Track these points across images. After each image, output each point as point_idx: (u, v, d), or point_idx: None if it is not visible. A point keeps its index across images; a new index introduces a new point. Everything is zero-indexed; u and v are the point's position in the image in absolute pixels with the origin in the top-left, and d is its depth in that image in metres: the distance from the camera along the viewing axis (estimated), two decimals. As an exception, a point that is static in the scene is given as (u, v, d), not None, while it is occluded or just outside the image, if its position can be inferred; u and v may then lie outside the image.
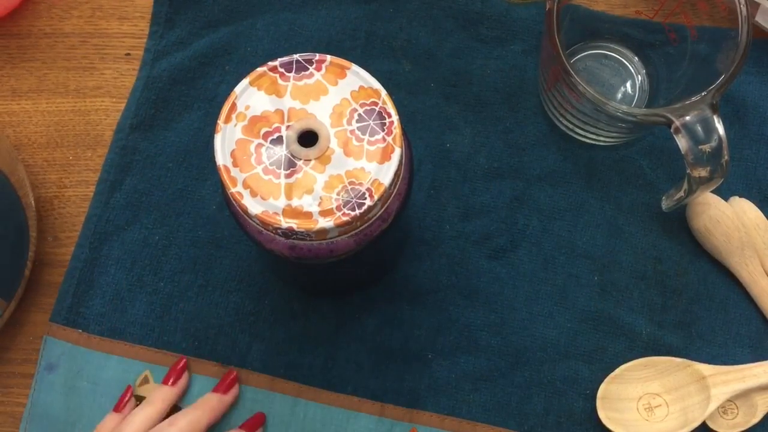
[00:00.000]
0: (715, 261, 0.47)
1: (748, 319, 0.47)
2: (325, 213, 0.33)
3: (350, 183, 0.33)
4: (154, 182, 0.49)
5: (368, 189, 0.33)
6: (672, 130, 0.40)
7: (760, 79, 0.50)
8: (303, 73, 0.35)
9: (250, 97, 0.35)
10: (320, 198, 0.33)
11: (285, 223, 0.33)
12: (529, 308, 0.47)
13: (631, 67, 0.50)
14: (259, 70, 0.35)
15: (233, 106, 0.34)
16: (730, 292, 0.47)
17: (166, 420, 0.42)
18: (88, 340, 0.46)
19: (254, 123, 0.34)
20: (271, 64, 0.35)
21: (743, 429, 0.44)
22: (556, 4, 0.41)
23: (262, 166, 0.34)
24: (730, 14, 0.41)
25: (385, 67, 0.50)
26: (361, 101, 0.35)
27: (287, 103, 0.35)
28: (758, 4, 0.47)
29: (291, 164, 0.34)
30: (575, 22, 0.48)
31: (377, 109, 0.34)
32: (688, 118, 0.40)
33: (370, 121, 0.34)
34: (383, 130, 0.34)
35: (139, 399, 0.45)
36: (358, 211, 0.33)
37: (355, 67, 0.35)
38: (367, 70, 0.35)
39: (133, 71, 0.51)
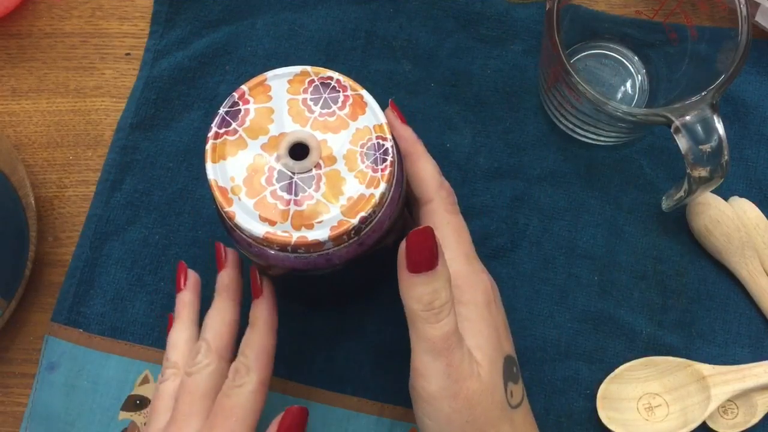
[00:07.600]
0: (715, 261, 0.47)
1: (748, 319, 0.47)
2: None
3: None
4: (154, 182, 0.49)
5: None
6: (672, 130, 0.40)
7: (760, 79, 0.50)
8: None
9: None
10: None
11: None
12: (529, 308, 0.47)
13: (631, 67, 0.50)
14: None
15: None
16: (730, 292, 0.47)
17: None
18: (89, 340, 0.46)
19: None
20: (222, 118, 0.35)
21: (743, 429, 0.44)
22: (556, 4, 0.41)
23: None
24: (730, 14, 0.41)
25: (385, 67, 0.50)
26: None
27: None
28: (758, 4, 0.47)
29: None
30: (575, 22, 0.48)
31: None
32: (688, 118, 0.40)
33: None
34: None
35: (139, 398, 0.45)
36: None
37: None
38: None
39: (133, 71, 0.51)
